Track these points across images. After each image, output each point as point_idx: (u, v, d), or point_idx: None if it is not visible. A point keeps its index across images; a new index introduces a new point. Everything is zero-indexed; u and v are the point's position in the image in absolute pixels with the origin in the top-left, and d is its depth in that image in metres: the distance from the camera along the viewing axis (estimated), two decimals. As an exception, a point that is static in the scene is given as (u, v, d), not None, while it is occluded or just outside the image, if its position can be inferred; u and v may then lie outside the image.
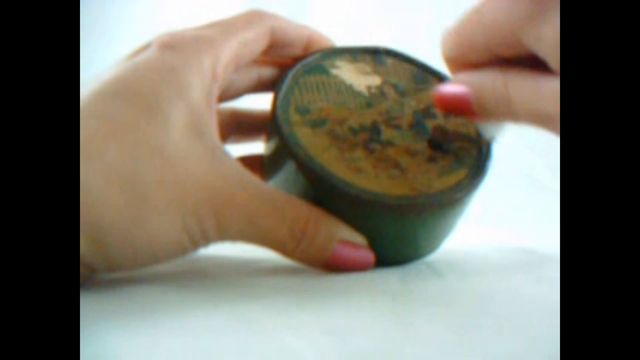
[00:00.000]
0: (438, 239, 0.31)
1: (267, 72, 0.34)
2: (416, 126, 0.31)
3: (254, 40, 0.31)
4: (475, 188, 0.30)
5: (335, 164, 0.29)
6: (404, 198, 0.28)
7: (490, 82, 0.27)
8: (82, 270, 0.25)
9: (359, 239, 0.29)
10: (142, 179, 0.25)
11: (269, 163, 0.32)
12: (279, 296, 0.25)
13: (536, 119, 0.26)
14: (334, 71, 0.33)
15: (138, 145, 0.26)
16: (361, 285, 0.27)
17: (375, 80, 0.33)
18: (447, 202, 0.29)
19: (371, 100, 0.32)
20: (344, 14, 0.71)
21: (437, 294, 0.26)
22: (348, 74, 0.33)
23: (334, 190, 0.28)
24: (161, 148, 0.26)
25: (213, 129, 0.28)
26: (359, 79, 0.33)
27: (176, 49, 0.28)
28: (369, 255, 0.29)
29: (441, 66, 0.30)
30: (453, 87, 0.28)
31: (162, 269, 0.30)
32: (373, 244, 0.29)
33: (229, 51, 0.29)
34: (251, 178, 0.28)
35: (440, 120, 0.32)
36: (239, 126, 0.36)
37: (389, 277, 0.28)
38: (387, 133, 0.31)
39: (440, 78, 0.33)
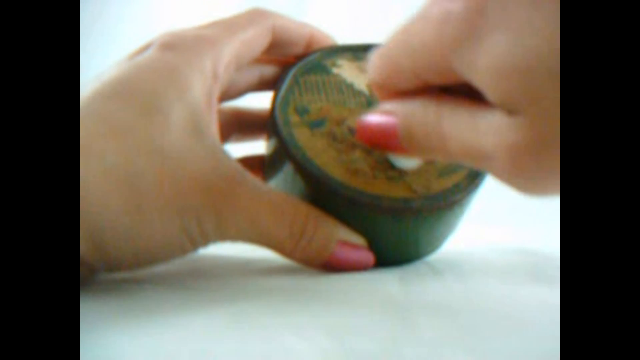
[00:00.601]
0: (437, 241, 0.31)
1: (269, 70, 0.34)
2: None
3: (256, 39, 0.31)
4: (474, 189, 0.29)
5: (334, 165, 0.29)
6: (402, 200, 0.28)
7: (421, 112, 0.23)
8: (82, 270, 0.25)
9: (358, 239, 0.29)
10: (142, 179, 0.25)
11: (268, 164, 0.32)
12: (279, 296, 0.25)
13: (473, 158, 0.22)
14: (335, 70, 0.33)
15: (138, 146, 0.26)
16: (361, 285, 0.27)
17: None
18: (446, 204, 0.29)
19: (372, 99, 0.32)
20: (345, 11, 0.71)
21: (437, 294, 0.26)
22: (349, 72, 0.33)
23: (331, 192, 0.28)
24: (161, 148, 0.26)
25: (213, 130, 0.28)
26: (359, 77, 0.32)
27: (177, 49, 0.28)
28: (368, 256, 0.29)
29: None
30: (378, 117, 0.25)
31: (162, 269, 0.30)
32: (372, 246, 0.29)
33: (230, 51, 0.29)
34: (251, 178, 0.28)
35: None
36: (241, 125, 0.36)
37: (389, 277, 0.28)
38: None
39: None
